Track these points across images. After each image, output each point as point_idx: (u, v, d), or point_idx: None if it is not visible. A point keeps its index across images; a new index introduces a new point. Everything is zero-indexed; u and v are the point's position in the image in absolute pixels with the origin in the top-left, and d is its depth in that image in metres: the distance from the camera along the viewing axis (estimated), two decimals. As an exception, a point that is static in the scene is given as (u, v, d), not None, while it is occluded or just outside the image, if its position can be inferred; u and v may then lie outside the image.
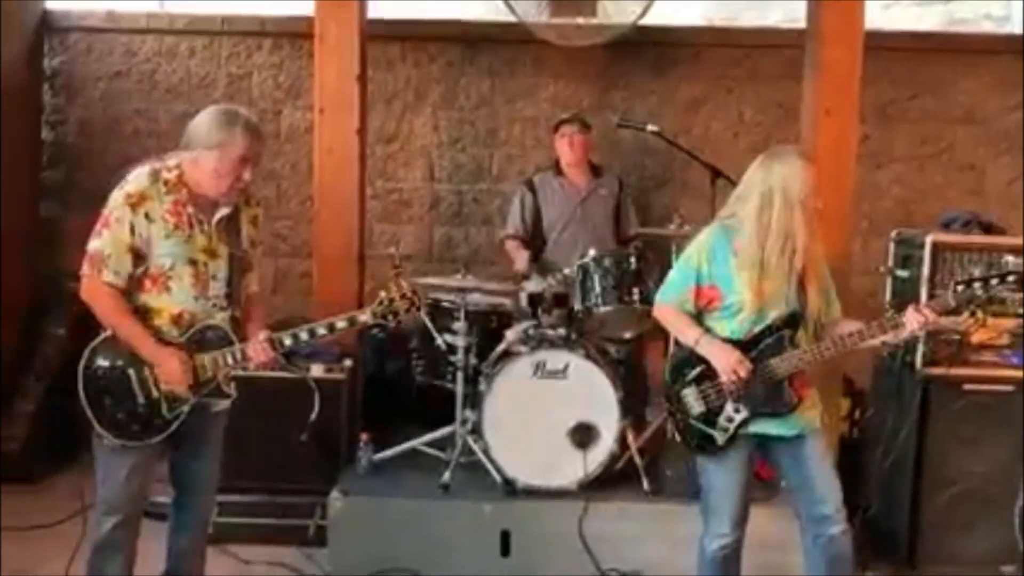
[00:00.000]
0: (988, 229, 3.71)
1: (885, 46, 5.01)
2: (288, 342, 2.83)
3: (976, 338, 3.62)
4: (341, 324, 2.87)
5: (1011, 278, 2.83)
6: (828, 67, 4.07)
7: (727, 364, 2.87)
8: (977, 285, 2.84)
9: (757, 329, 2.89)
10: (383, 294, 2.85)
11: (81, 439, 2.87)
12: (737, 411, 2.91)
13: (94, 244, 2.73)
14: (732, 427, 2.91)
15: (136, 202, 2.71)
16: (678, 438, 3.36)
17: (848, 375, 4.59)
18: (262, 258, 3.11)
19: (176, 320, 2.78)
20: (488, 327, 4.14)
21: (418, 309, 2.88)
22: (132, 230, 2.71)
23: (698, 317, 2.97)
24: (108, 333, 2.79)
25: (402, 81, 5.22)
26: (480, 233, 5.21)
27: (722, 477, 2.96)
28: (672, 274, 3.06)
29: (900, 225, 5.12)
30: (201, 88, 5.22)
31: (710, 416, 2.94)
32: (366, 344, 4.55)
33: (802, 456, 2.94)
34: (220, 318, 2.82)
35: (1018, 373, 3.63)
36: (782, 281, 2.87)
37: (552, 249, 4.51)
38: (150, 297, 2.77)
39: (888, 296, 3.95)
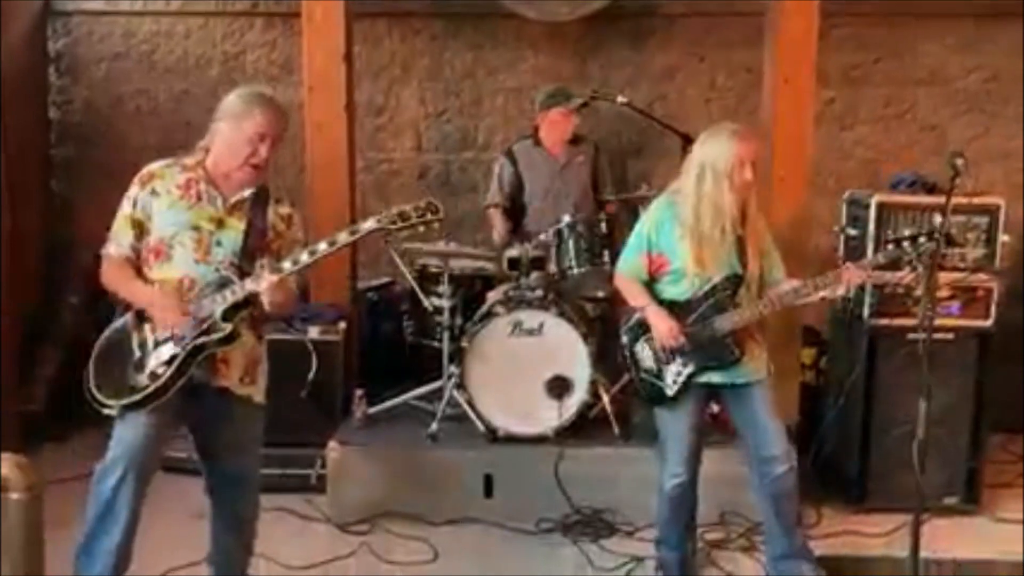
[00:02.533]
0: (932, 190, 3.96)
1: (850, 12, 5.25)
2: (288, 265, 2.74)
3: (919, 291, 3.89)
4: (342, 237, 2.79)
5: (936, 235, 3.09)
6: (786, 37, 4.30)
7: (663, 333, 3.21)
8: (906, 243, 3.13)
9: (701, 291, 3.21)
10: (394, 208, 2.78)
11: None
12: (685, 365, 3.23)
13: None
14: (680, 379, 3.24)
15: (146, 180, 2.85)
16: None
17: (814, 327, 4.89)
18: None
19: (178, 288, 2.77)
20: (472, 289, 4.46)
21: (435, 212, 2.77)
22: (135, 204, 2.82)
23: (652, 281, 3.29)
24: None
25: (388, 56, 5.45)
26: (467, 201, 5.45)
27: (674, 423, 3.29)
28: (627, 244, 3.38)
29: (866, 185, 5.38)
30: (198, 67, 5.47)
31: (660, 370, 3.27)
32: (361, 307, 4.86)
33: (749, 402, 3.26)
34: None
35: (957, 322, 3.92)
36: (721, 247, 3.18)
37: (532, 216, 4.75)
38: (153, 270, 2.81)
39: (841, 252, 4.22)
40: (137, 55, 5.47)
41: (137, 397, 2.74)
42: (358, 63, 4.88)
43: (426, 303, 4.29)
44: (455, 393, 4.13)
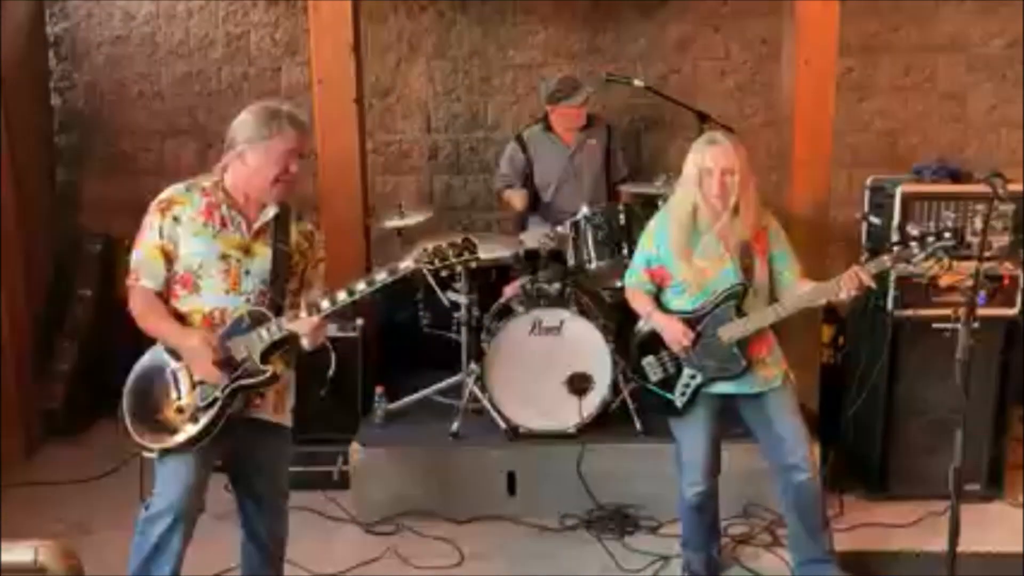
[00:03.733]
0: (956, 177, 3.89)
1: (870, -22, 5.12)
2: (326, 304, 2.71)
3: (944, 281, 3.84)
4: (381, 276, 2.75)
5: (947, 235, 3.03)
6: (806, 18, 4.19)
7: (672, 334, 3.20)
8: (913, 244, 3.07)
9: (704, 303, 3.18)
10: (430, 246, 2.76)
11: (116, 394, 2.83)
12: (693, 377, 3.22)
13: (132, 257, 2.78)
14: (689, 391, 3.23)
15: (165, 207, 2.75)
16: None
17: (832, 303, 4.84)
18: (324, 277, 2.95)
19: (207, 321, 2.73)
20: (488, 280, 4.41)
21: (472, 251, 2.75)
22: (160, 232, 2.73)
23: (660, 293, 3.28)
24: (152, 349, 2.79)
25: (395, 33, 5.31)
26: (478, 181, 5.39)
27: (689, 434, 3.28)
28: (633, 257, 3.39)
29: (884, 157, 5.35)
30: (201, 49, 5.33)
31: (669, 382, 3.26)
32: (375, 294, 4.80)
33: (766, 412, 3.23)
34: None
35: (984, 311, 3.85)
36: (722, 256, 3.15)
37: (548, 204, 4.69)
38: (181, 302, 2.75)
39: (864, 240, 4.16)
40: (138, 38, 5.33)
41: (179, 441, 2.72)
42: (363, 42, 4.75)
43: (443, 298, 4.25)
44: (476, 390, 4.11)
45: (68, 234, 5.34)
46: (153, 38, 5.34)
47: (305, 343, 2.74)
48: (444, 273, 2.82)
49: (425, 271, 2.77)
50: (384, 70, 5.33)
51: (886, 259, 3.13)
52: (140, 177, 5.32)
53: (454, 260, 2.76)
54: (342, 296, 2.74)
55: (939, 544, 3.05)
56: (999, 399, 4.00)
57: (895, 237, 3.82)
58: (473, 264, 2.83)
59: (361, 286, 2.75)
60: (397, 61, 5.35)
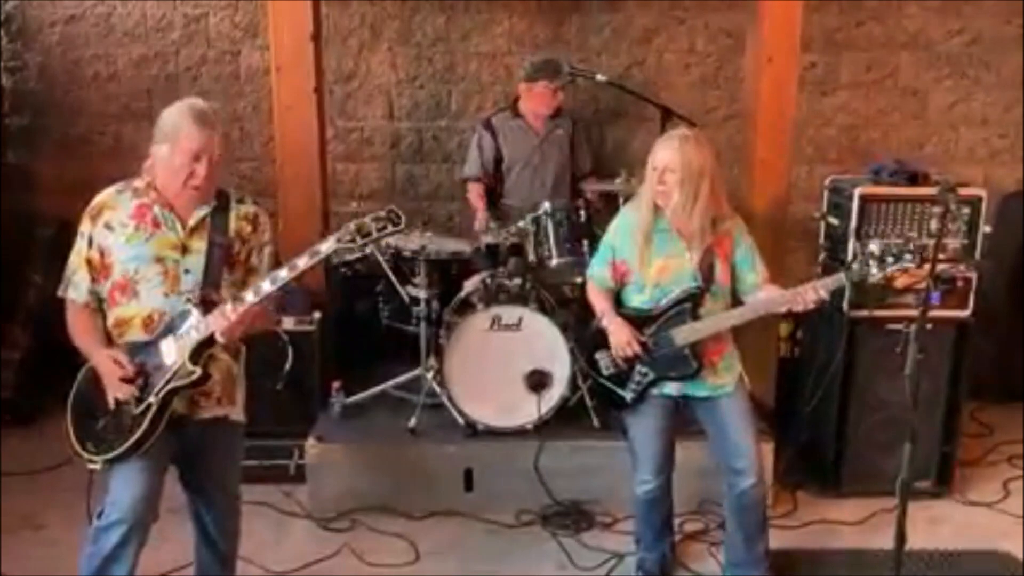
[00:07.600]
0: (913, 179, 3.91)
1: (834, -26, 5.12)
2: (251, 297, 2.60)
3: (900, 283, 3.87)
4: (303, 261, 2.61)
5: (907, 256, 3.03)
6: (770, 17, 4.18)
7: (619, 341, 3.20)
8: (872, 264, 3.05)
9: (662, 302, 3.19)
10: (352, 223, 2.63)
11: (70, 383, 2.81)
12: (645, 374, 3.23)
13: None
14: (640, 388, 3.23)
15: (96, 213, 2.71)
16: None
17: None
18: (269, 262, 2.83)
19: (147, 324, 2.68)
20: (449, 274, 4.37)
21: (396, 223, 2.63)
22: (89, 242, 2.70)
23: (620, 289, 3.28)
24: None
25: (357, 18, 5.22)
26: (441, 170, 5.33)
27: (641, 430, 3.29)
28: (597, 251, 3.39)
29: (845, 151, 5.39)
30: (158, 30, 5.21)
31: (621, 377, 3.26)
32: (335, 285, 4.76)
33: (716, 415, 3.25)
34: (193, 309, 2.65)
35: (937, 312, 3.89)
36: (681, 256, 3.15)
37: (509, 190, 4.67)
38: (122, 308, 2.69)
39: (821, 239, 4.19)
40: (93, 18, 5.19)
41: (118, 451, 2.65)
42: (325, 25, 4.68)
43: (403, 293, 4.22)
44: (434, 385, 4.09)
45: (20, 218, 5.21)
46: (108, 19, 5.20)
47: (218, 337, 2.61)
48: (369, 249, 2.70)
49: (346, 247, 2.64)
50: (346, 55, 5.24)
51: (843, 277, 3.14)
52: (95, 160, 5.21)
53: (377, 234, 2.62)
54: (266, 286, 2.62)
55: (887, 542, 3.08)
56: (950, 399, 4.06)
57: (852, 239, 3.86)
58: (399, 233, 2.71)
59: (283, 274, 2.62)
60: (359, 47, 5.26)
